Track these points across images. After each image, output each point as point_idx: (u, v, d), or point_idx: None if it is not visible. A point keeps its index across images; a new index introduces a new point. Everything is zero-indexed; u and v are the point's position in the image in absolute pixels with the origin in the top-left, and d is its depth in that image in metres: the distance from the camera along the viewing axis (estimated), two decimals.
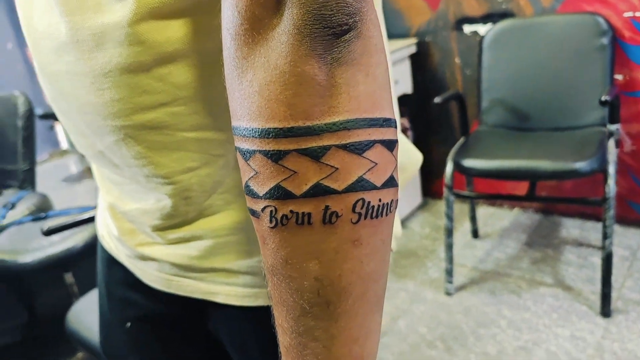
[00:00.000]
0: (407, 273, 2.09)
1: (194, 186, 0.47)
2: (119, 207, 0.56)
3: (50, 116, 2.85)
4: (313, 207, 0.30)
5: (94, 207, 0.78)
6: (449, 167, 1.84)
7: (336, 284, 0.31)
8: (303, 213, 0.30)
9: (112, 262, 0.64)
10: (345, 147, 0.29)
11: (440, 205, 2.55)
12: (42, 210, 1.98)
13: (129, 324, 0.63)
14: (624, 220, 2.10)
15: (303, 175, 0.29)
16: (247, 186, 0.32)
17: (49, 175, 3.79)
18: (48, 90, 0.50)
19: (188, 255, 0.52)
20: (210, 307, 0.56)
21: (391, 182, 0.31)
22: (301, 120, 0.29)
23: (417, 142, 2.53)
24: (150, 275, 0.58)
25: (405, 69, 2.37)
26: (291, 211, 0.30)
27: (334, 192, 0.29)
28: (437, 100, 1.94)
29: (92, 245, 1.59)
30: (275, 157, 0.29)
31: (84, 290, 1.62)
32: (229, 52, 0.31)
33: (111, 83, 0.41)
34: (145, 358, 0.64)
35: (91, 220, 1.12)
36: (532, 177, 1.82)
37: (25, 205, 2.02)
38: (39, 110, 2.53)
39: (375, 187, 0.30)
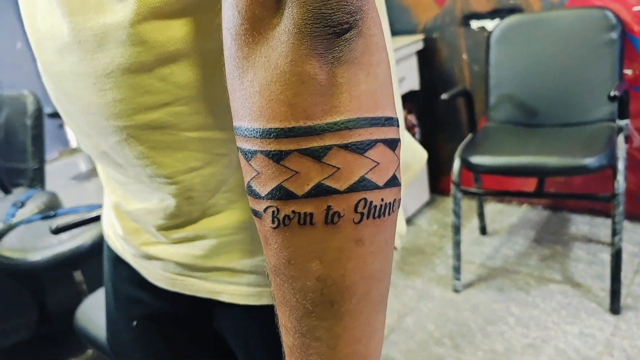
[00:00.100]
0: (414, 270, 2.09)
1: (197, 186, 0.47)
2: (123, 206, 0.56)
3: (59, 115, 2.86)
4: (315, 208, 0.30)
5: (102, 206, 0.78)
6: (457, 164, 1.83)
7: (340, 283, 0.31)
8: (305, 213, 0.30)
9: (118, 261, 0.64)
10: (346, 147, 0.29)
11: (448, 202, 2.54)
12: (51, 209, 2.00)
13: (135, 323, 0.64)
14: (634, 216, 2.09)
15: (305, 176, 0.29)
16: (249, 186, 0.32)
17: (58, 173, 3.81)
18: (52, 90, 0.50)
19: (192, 254, 0.52)
20: (215, 306, 0.56)
21: (394, 182, 0.31)
22: (302, 120, 0.29)
23: (425, 139, 2.52)
24: (155, 275, 0.58)
25: (413, 65, 2.36)
26: (293, 211, 0.30)
27: (335, 192, 0.29)
28: (444, 96, 1.93)
29: (101, 243, 1.59)
30: (277, 157, 0.29)
31: (93, 287, 1.63)
32: (230, 52, 0.31)
33: (113, 83, 0.42)
34: (152, 356, 0.64)
35: (99, 218, 1.13)
36: (541, 173, 1.81)
37: (35, 203, 2.04)
38: (48, 109, 2.55)
39: (377, 187, 0.30)
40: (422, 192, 2.52)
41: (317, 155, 0.29)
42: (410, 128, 2.44)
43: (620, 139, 1.71)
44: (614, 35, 1.82)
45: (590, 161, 1.59)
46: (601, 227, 2.12)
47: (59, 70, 0.45)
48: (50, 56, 0.46)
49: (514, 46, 2.02)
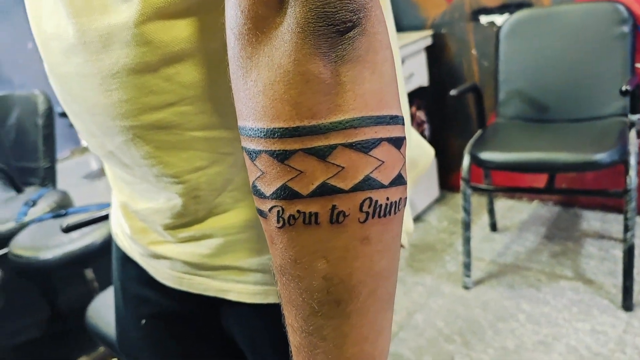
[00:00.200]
0: (424, 267, 2.08)
1: (203, 185, 0.47)
2: (130, 206, 0.57)
3: None
4: (320, 207, 0.29)
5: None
6: (466, 160, 1.82)
7: (346, 282, 0.31)
8: (310, 213, 0.30)
9: (126, 260, 0.65)
10: (351, 146, 0.29)
11: (458, 199, 2.53)
12: (62, 207, 2.02)
13: (143, 321, 0.64)
14: None
15: (309, 175, 0.29)
16: (254, 186, 0.32)
17: (69, 172, 3.84)
18: (58, 91, 0.50)
19: (199, 253, 0.53)
20: (223, 304, 0.56)
21: (399, 180, 0.31)
22: (306, 120, 0.29)
23: (434, 135, 2.51)
24: (163, 273, 0.58)
25: (421, 61, 2.35)
26: (298, 211, 0.30)
27: (340, 191, 0.29)
28: (453, 92, 1.92)
29: (111, 242, 1.61)
30: (281, 157, 0.29)
31: (104, 285, 1.64)
32: (233, 52, 0.31)
33: (119, 84, 0.42)
34: (160, 354, 0.65)
35: (109, 217, 1.14)
36: (551, 169, 1.80)
37: (46, 202, 2.06)
38: (59, 109, 2.57)
39: (382, 186, 0.30)
40: (432, 189, 2.51)
41: (321, 154, 0.29)
42: (419, 124, 2.43)
43: (633, 134, 1.69)
44: (626, 28, 1.80)
45: (601, 157, 1.57)
46: (613, 223, 2.10)
47: (65, 71, 0.46)
48: (56, 57, 0.46)
49: (523, 41, 2.01)
